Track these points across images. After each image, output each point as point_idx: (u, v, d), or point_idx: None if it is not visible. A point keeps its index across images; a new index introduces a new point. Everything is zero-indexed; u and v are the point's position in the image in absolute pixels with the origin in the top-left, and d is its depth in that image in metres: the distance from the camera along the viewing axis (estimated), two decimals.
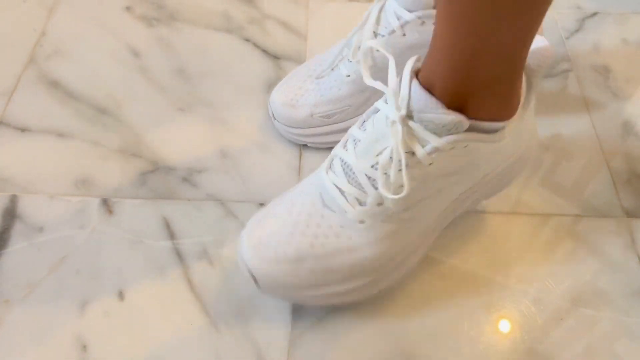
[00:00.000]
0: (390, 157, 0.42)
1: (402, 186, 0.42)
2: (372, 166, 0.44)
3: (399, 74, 0.43)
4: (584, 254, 0.55)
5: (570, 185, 0.59)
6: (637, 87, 0.68)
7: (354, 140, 0.45)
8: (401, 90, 0.42)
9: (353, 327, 0.49)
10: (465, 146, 0.43)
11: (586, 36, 0.74)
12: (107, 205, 0.56)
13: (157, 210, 0.56)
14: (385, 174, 0.43)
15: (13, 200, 0.56)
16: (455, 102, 0.42)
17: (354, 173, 0.44)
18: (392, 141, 0.42)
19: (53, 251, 0.53)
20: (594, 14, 0.76)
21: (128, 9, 0.74)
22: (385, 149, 0.43)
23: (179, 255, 0.53)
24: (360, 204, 0.45)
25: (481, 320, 0.50)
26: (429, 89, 0.42)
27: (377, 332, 0.49)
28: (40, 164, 0.59)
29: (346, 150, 0.45)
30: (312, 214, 0.45)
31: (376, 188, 0.44)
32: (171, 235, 0.54)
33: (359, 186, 0.44)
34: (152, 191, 0.57)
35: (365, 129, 0.44)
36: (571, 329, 0.50)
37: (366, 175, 0.44)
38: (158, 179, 0.58)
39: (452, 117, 0.41)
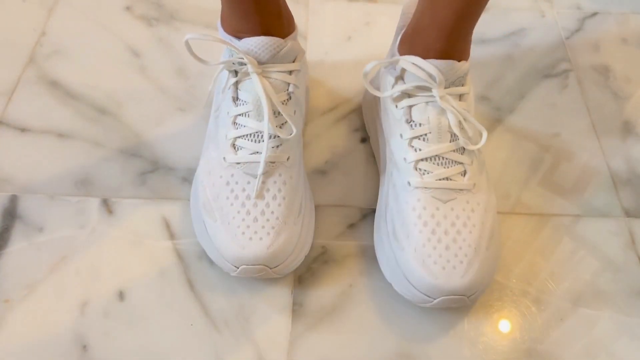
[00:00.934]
0: (460, 122, 0.49)
1: (474, 134, 0.49)
2: (451, 140, 0.49)
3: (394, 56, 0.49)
4: (584, 254, 0.55)
5: (570, 185, 0.59)
6: (637, 87, 0.68)
7: (421, 137, 0.50)
8: (429, 72, 0.48)
9: (353, 327, 0.50)
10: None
11: (586, 36, 0.74)
12: (107, 205, 0.56)
13: (157, 210, 0.56)
14: (464, 137, 0.49)
15: (13, 200, 0.56)
16: (448, 53, 0.49)
17: (443, 158, 0.49)
18: (450, 111, 0.48)
19: (53, 251, 0.53)
20: (594, 13, 0.76)
21: (128, 8, 0.74)
22: (449, 121, 0.49)
23: (179, 255, 0.53)
24: (463, 174, 0.49)
25: (481, 320, 0.50)
26: (415, 53, 0.49)
27: (377, 332, 0.49)
28: (40, 164, 0.59)
29: (420, 150, 0.49)
30: (447, 215, 0.48)
31: (462, 153, 0.49)
32: (171, 235, 0.54)
33: (454, 163, 0.49)
34: (152, 191, 0.57)
35: (420, 124, 0.49)
36: (571, 329, 0.50)
37: (452, 150, 0.49)
38: (158, 179, 0.58)
39: (466, 65, 0.49)
